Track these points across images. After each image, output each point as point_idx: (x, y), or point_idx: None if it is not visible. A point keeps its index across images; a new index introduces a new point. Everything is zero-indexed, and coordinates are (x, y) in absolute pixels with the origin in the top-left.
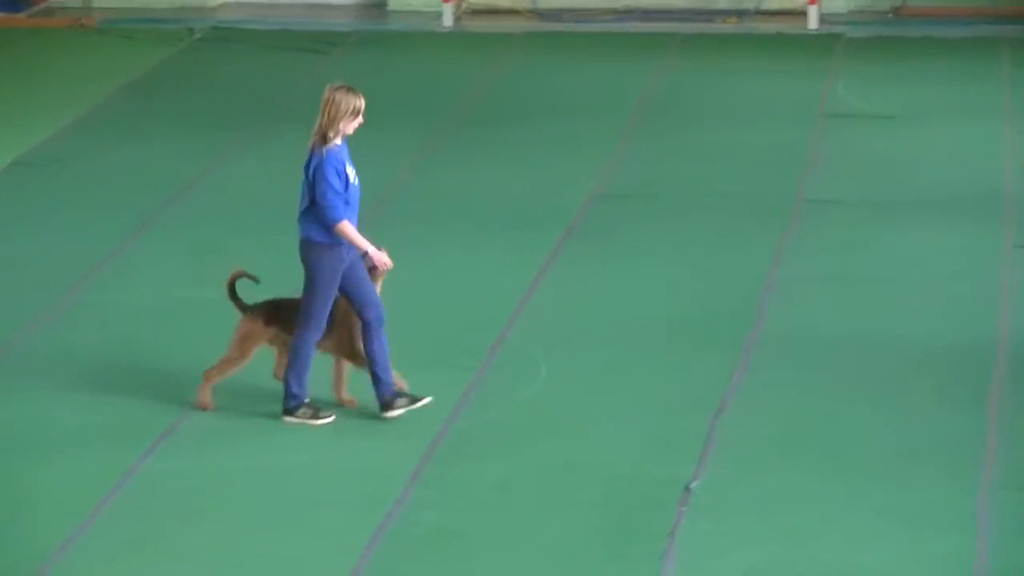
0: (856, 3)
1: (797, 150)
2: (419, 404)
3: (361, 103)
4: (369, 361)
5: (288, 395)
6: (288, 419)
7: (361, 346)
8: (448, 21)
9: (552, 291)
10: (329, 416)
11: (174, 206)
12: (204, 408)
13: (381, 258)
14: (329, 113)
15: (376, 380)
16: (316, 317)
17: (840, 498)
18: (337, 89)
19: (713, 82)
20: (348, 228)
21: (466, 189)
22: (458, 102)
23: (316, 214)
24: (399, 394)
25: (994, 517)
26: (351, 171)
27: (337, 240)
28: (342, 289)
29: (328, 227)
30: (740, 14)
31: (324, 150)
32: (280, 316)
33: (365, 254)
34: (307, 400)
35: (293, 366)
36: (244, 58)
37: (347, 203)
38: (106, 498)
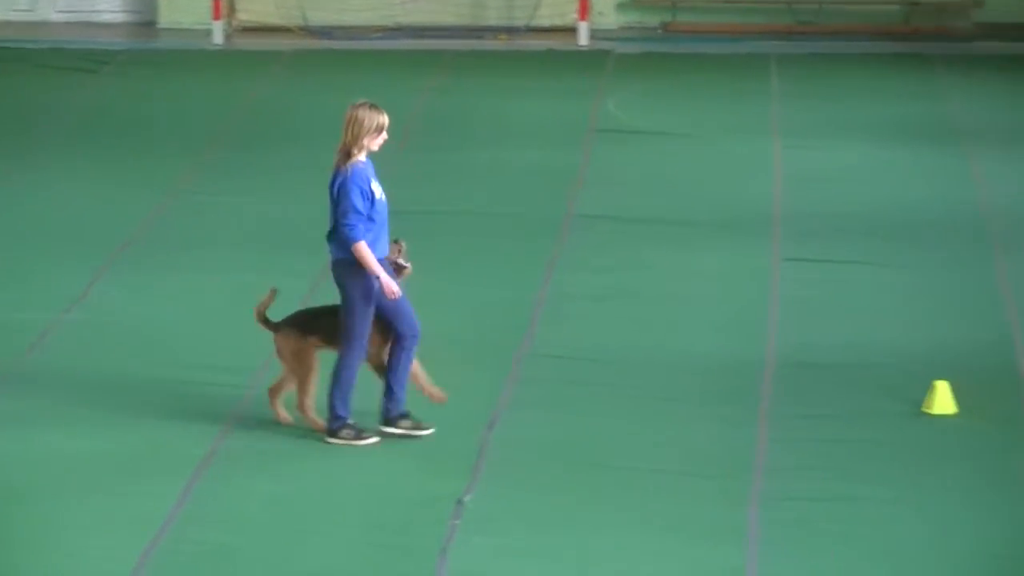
0: (626, 19)
1: (568, 167)
2: (421, 433)
3: (384, 119)
4: (387, 370)
5: (333, 416)
6: (332, 440)
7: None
8: (218, 39)
9: None
10: (373, 437)
11: None
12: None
13: (389, 287)
14: (352, 131)
15: (388, 392)
16: (357, 337)
17: (612, 512)
18: (360, 106)
19: (484, 100)
20: (364, 250)
21: (235, 211)
22: (227, 122)
23: None
24: (404, 415)
25: (764, 529)
26: (377, 188)
27: (380, 255)
28: (376, 305)
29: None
30: (510, 31)
31: (349, 167)
32: (319, 325)
33: (377, 278)
34: (351, 421)
35: (336, 387)
36: (13, 76)
37: (372, 220)
38: None
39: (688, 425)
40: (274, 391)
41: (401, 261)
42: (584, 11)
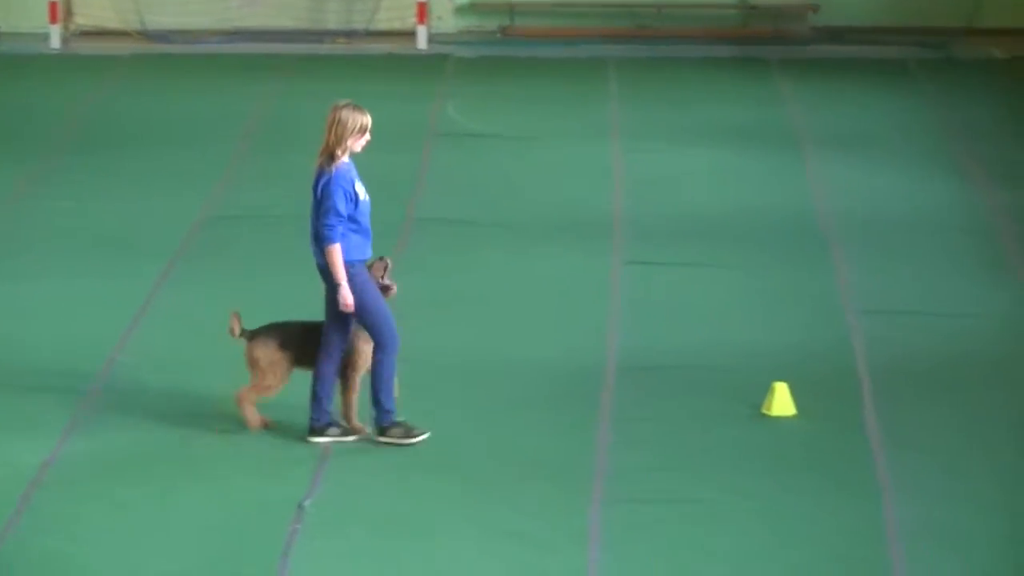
0: (464, 23)
1: (408, 170)
2: (414, 440)
3: (367, 120)
4: (371, 380)
5: (381, 412)
6: (382, 439)
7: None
8: (56, 43)
9: (162, 314)
10: (423, 433)
11: None
12: (265, 425)
13: (344, 299)
14: (336, 132)
15: (375, 403)
16: (385, 332)
17: (452, 517)
18: (343, 107)
19: (324, 104)
20: (336, 255)
21: (72, 217)
22: (65, 127)
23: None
24: (397, 423)
25: (606, 532)
26: (360, 189)
27: (357, 257)
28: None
29: (322, 246)
30: (350, 35)
31: (333, 168)
32: (292, 342)
33: (338, 285)
34: (400, 419)
35: (378, 385)
36: None
37: (356, 222)
38: None
39: (529, 429)
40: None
41: (386, 281)
42: (422, 15)
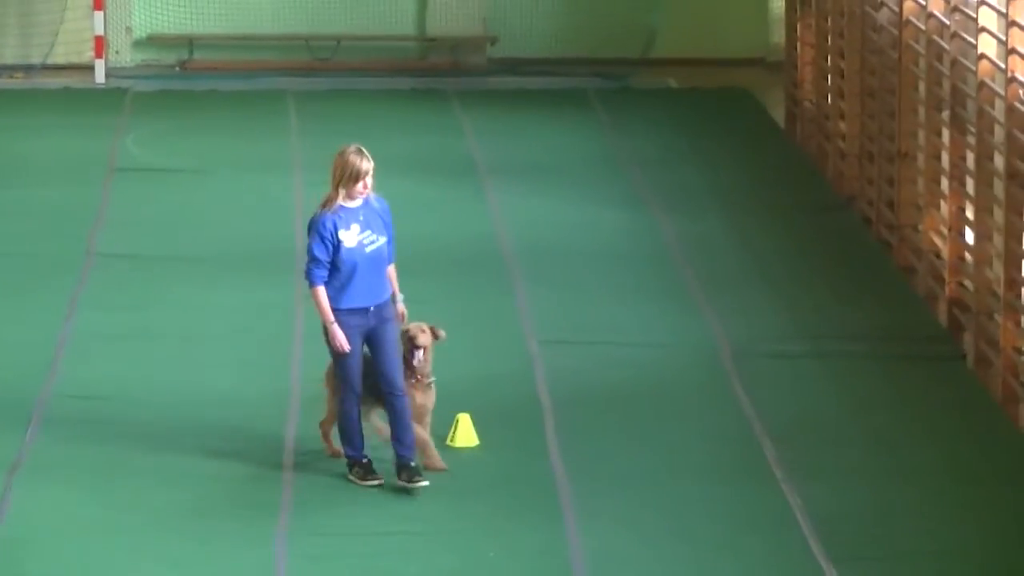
0: (143, 56)
1: (87, 205)
2: (415, 485)
3: (362, 166)
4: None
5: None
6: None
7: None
8: None
9: None
10: (377, 479)
11: None
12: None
13: (336, 339)
14: (333, 176)
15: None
16: (346, 380)
17: (141, 555)
18: (343, 152)
19: (1, 139)
20: (318, 296)
21: None
22: None
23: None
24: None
25: (291, 564)
26: (347, 235)
27: (339, 304)
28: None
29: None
30: (27, 69)
31: (318, 214)
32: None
33: (326, 326)
34: (364, 459)
35: (340, 432)
36: None
37: (337, 268)
38: None
39: (209, 461)
40: (324, 424)
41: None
42: (100, 49)
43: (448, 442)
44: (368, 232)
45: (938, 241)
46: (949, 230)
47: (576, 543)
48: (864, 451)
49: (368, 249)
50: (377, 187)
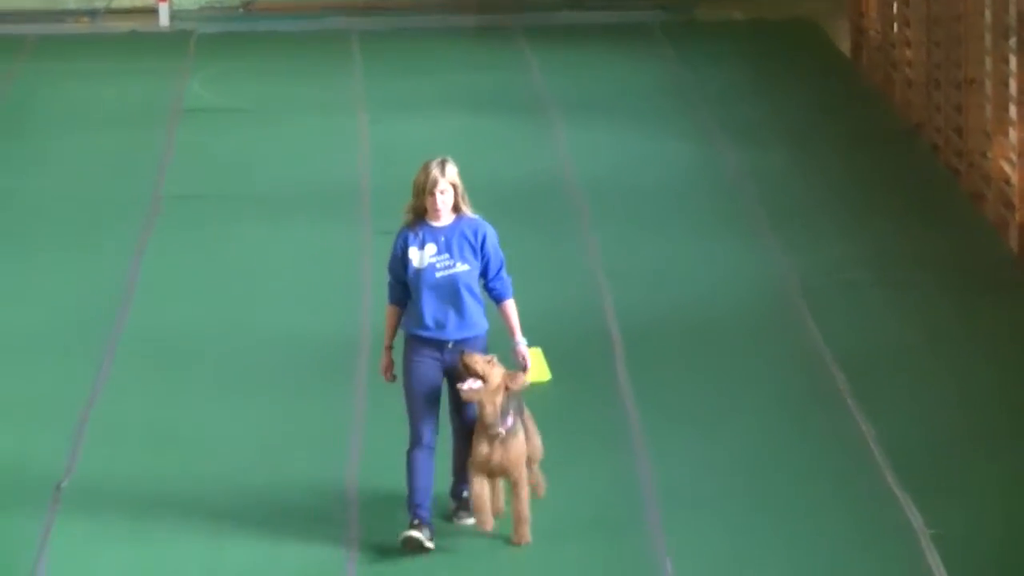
0: (206, 0)
1: (153, 148)
2: (455, 520)
3: (424, 179)
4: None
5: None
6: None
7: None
8: None
9: None
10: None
11: None
12: None
13: (382, 365)
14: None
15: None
16: (410, 421)
17: (207, 495)
18: (424, 166)
19: (67, 84)
20: (387, 315)
21: None
22: None
23: None
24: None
25: (358, 504)
26: (416, 254)
27: (410, 329)
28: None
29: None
30: (91, 14)
31: (400, 228)
32: None
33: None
34: (421, 516)
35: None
36: None
37: (416, 289)
38: None
39: (285, 402)
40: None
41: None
42: None
43: None
44: (445, 256)
45: (1007, 167)
46: (1019, 156)
47: (647, 476)
48: (936, 379)
49: (439, 274)
50: (442, 124)
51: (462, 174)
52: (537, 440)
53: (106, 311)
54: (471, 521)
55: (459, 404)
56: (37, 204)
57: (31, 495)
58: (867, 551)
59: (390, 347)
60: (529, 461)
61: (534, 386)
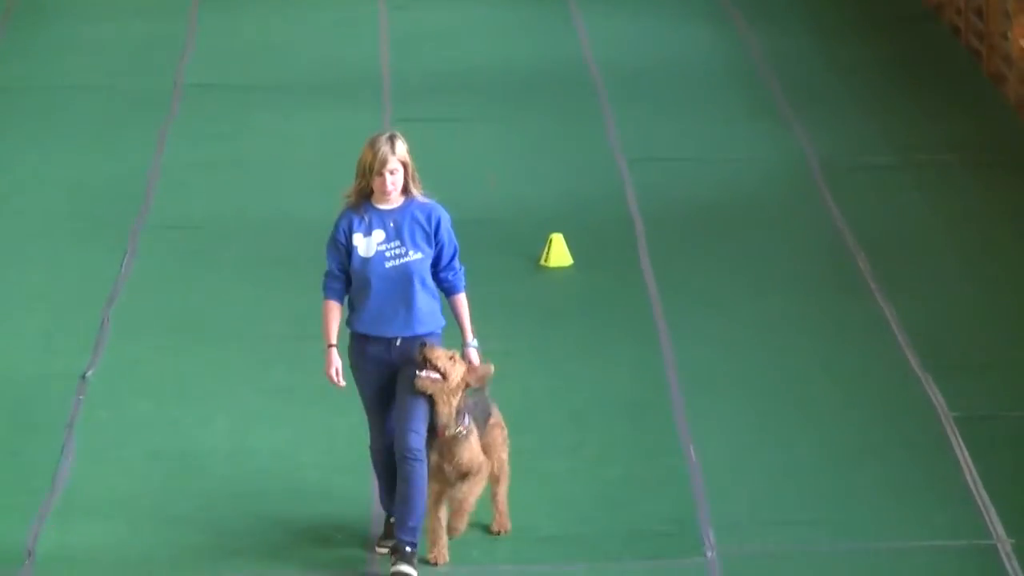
0: None
1: (174, 37)
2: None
3: (377, 157)
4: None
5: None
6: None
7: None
8: None
9: None
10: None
11: None
12: None
13: (328, 370)
14: (356, 168)
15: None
16: (369, 425)
17: (231, 381)
18: (372, 139)
19: None
20: (324, 311)
21: None
22: None
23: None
24: (397, 547)
25: None
26: (362, 241)
27: (354, 327)
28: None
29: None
30: None
31: (342, 210)
32: None
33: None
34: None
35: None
36: None
37: (351, 282)
38: None
39: (301, 291)
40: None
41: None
42: None
43: (542, 262)
44: (396, 243)
45: None
46: None
47: (671, 359)
48: (957, 261)
49: (389, 264)
50: (464, 12)
51: (482, 60)
52: (504, 455)
53: (130, 199)
54: (386, 551)
55: (396, 423)
56: (59, 92)
57: (57, 383)
58: (891, 430)
59: (334, 345)
60: (493, 479)
61: (556, 271)
